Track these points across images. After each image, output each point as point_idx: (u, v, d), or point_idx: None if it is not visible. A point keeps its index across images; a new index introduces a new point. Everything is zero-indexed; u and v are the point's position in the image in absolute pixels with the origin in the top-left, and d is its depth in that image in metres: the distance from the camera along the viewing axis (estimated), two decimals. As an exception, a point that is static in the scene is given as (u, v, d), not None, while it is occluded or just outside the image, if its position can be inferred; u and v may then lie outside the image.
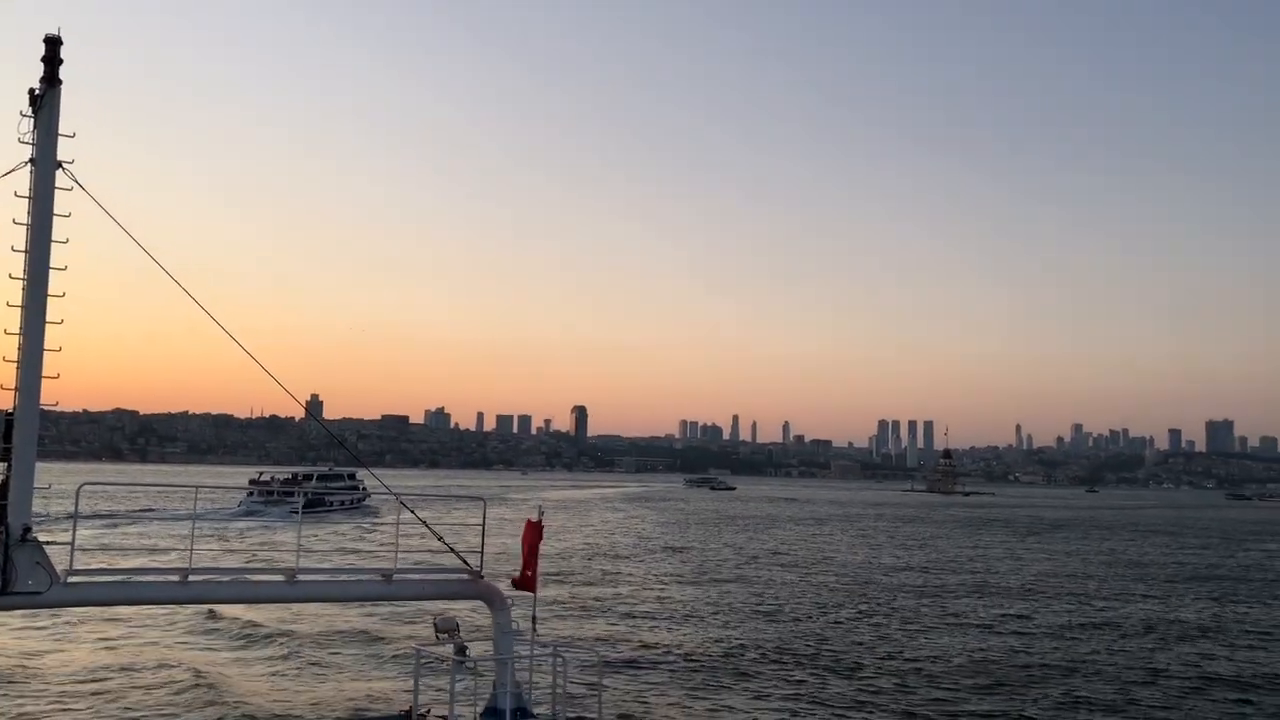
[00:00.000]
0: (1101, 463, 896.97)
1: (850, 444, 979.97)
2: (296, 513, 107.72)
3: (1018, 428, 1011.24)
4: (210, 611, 40.40)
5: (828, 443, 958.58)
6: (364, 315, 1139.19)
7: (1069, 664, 37.15)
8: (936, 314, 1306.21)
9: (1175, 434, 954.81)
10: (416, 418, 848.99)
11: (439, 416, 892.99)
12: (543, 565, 61.42)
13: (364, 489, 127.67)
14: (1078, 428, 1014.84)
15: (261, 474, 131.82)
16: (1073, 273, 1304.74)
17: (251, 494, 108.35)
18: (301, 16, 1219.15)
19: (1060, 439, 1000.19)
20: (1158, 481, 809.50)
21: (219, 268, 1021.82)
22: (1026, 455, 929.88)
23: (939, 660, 37.01)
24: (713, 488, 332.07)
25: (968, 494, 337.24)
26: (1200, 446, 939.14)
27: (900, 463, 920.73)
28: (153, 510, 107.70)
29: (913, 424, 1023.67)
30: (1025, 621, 47.59)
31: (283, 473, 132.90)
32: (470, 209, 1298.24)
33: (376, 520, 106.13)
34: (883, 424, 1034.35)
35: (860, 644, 40.24)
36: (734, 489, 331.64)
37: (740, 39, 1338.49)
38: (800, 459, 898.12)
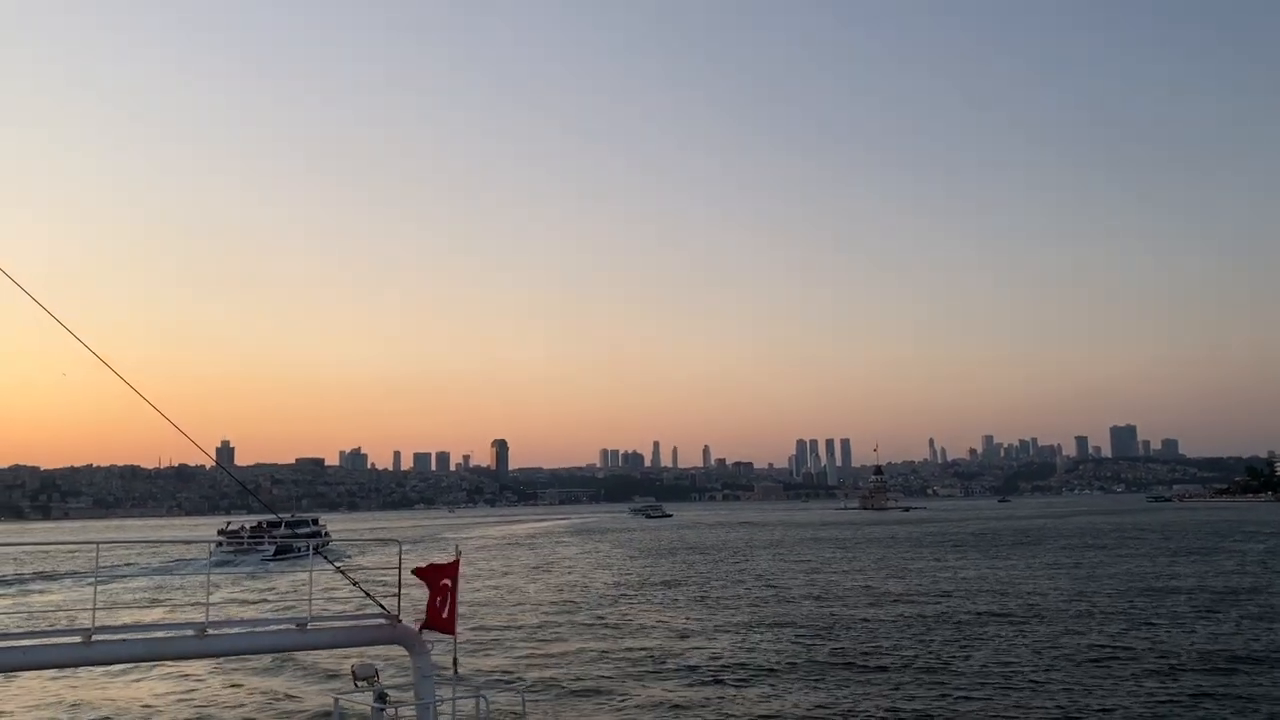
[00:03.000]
0: (1015, 472, 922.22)
1: (771, 465, 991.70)
2: (268, 559, 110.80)
3: (931, 441, 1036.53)
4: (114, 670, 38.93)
5: (749, 464, 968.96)
6: (273, 355, 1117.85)
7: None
8: (847, 329, 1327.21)
9: (1082, 441, 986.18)
10: (332, 460, 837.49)
11: (355, 457, 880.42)
12: (553, 609, 60.96)
13: (326, 533, 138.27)
14: (989, 439, 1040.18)
15: (229, 524, 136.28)
16: (976, 282, 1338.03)
17: (222, 544, 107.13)
18: (167, 43, 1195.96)
19: (973, 451, 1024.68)
20: (1069, 488, 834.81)
21: (119, 316, 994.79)
22: (943, 469, 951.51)
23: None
24: (648, 515, 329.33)
25: (907, 509, 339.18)
26: (1106, 452, 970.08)
27: (821, 481, 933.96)
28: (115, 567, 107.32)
29: (830, 442, 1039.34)
30: (1128, 651, 41.73)
31: (249, 521, 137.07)
32: (376, 241, 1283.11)
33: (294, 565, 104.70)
34: (801, 443, 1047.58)
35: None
36: (670, 515, 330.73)
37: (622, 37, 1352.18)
38: (723, 482, 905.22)
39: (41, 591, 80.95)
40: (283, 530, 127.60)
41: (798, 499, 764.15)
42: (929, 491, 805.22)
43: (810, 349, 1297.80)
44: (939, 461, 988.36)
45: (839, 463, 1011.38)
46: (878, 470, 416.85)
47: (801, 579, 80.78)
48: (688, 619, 55.94)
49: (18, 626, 16.70)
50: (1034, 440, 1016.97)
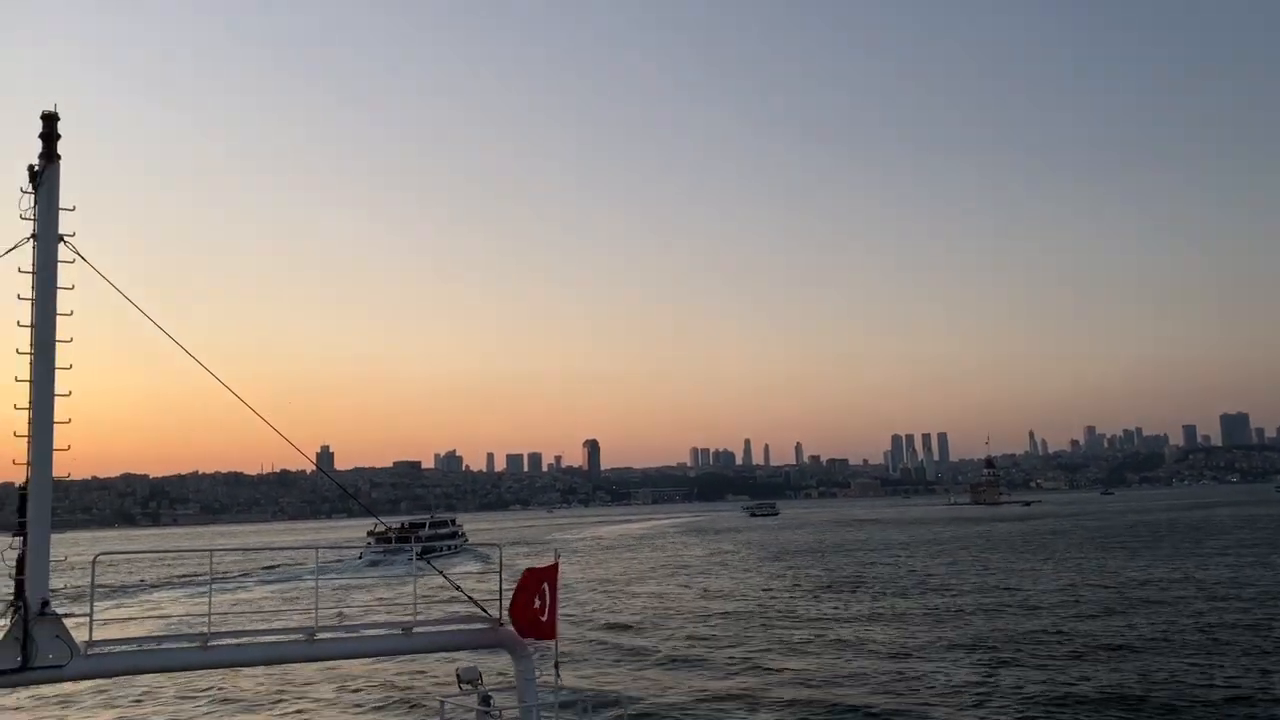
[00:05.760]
0: (1120, 463, 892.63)
1: (865, 461, 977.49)
2: (413, 559, 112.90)
3: (1031, 434, 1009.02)
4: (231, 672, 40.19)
5: (844, 461, 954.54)
6: (370, 362, 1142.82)
7: None
8: (941, 322, 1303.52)
9: (1190, 430, 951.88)
10: (428, 463, 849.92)
11: (451, 460, 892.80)
12: (704, 614, 58.87)
13: (464, 533, 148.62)
14: (1090, 429, 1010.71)
15: (377, 525, 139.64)
16: (1074, 272, 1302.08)
17: (370, 545, 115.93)
18: (287, 75, 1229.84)
19: (1075, 442, 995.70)
20: (1180, 479, 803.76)
21: (220, 325, 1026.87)
22: (1045, 461, 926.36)
23: None
24: (754, 514, 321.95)
25: (1027, 504, 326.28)
26: (1216, 441, 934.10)
27: (920, 476, 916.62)
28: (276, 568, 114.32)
29: (926, 436, 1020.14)
30: None
31: (394, 523, 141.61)
32: (466, 250, 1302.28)
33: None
34: (896, 438, 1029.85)
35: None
36: (778, 513, 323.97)
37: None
38: (818, 479, 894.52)
39: (154, 600, 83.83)
40: (427, 531, 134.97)
41: (896, 495, 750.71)
42: (1032, 485, 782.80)
43: (903, 342, 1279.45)
44: (1040, 454, 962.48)
45: (936, 457, 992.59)
46: (989, 464, 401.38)
47: (976, 581, 76.30)
48: (884, 634, 50.37)
49: (147, 632, 17.35)
50: (1138, 430, 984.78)
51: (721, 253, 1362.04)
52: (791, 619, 57.83)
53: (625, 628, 55.91)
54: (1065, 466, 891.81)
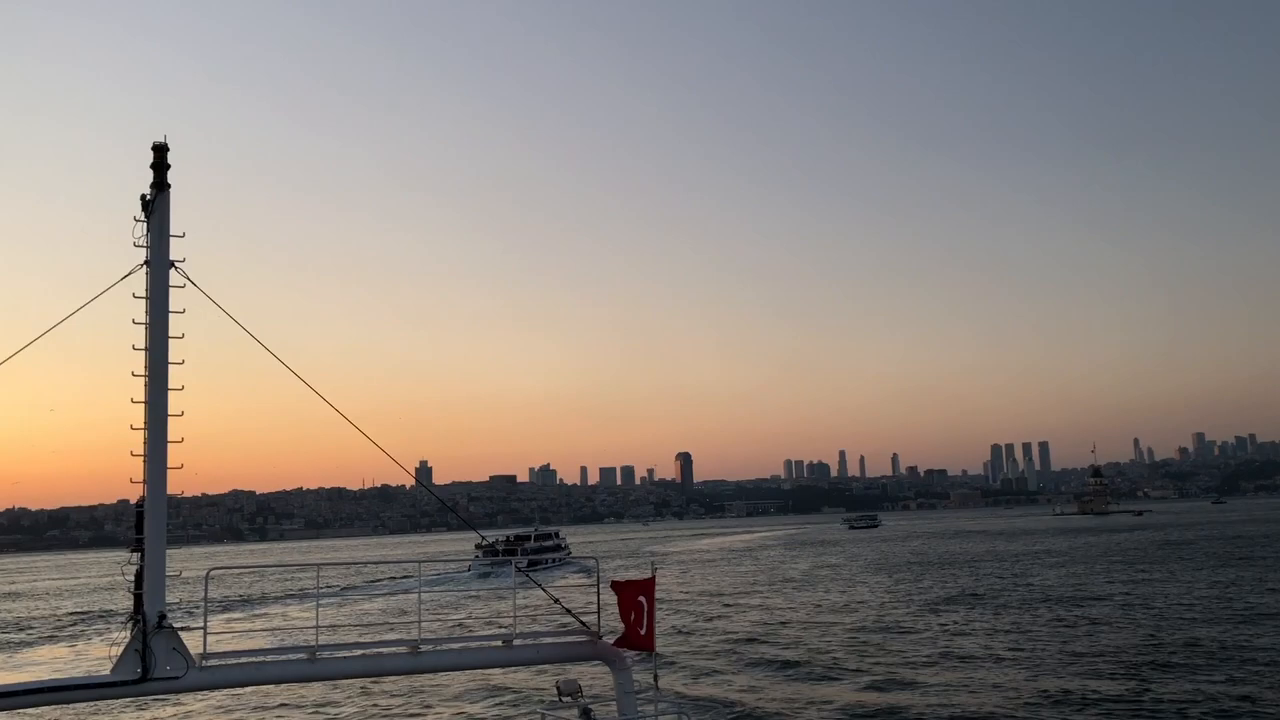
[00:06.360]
0: (1233, 471, 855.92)
1: (964, 471, 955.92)
2: (518, 570, 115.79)
3: (1136, 441, 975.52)
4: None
5: (942, 471, 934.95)
6: (465, 379, 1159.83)
7: None
8: (1037, 328, 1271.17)
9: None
10: (523, 476, 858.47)
11: (545, 473, 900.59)
12: (821, 630, 55.83)
13: (566, 546, 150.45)
14: (1200, 436, 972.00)
15: (485, 539, 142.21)
16: (1179, 276, 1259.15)
17: (478, 558, 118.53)
18: (381, 102, 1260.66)
19: (1183, 450, 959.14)
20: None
21: (319, 345, 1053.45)
22: (1151, 469, 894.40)
23: None
24: (853, 526, 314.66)
25: (1139, 513, 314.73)
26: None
27: (1021, 486, 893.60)
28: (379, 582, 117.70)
29: (1027, 446, 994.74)
30: None
31: (498, 536, 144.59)
32: (560, 261, 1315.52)
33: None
34: (996, 448, 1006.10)
35: None
36: (879, 525, 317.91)
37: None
38: (916, 490, 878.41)
39: (263, 613, 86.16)
40: (532, 543, 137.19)
41: (997, 506, 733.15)
42: (1139, 494, 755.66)
43: (1001, 351, 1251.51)
44: (1146, 462, 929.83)
45: (1037, 466, 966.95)
46: (1096, 472, 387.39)
47: (1102, 592, 72.83)
48: (1012, 647, 47.68)
49: (256, 644, 17.89)
50: (1251, 436, 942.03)
51: (818, 264, 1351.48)
52: (911, 632, 56.17)
53: (740, 640, 55.41)
54: (1173, 475, 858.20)
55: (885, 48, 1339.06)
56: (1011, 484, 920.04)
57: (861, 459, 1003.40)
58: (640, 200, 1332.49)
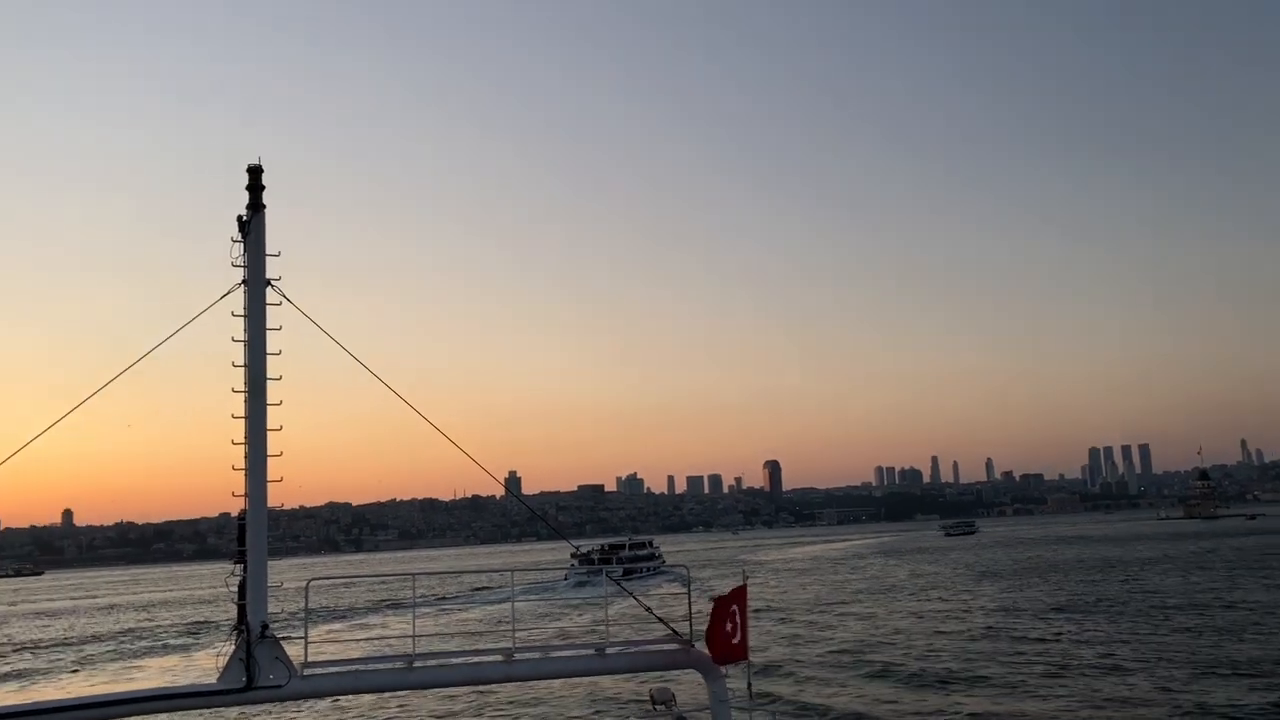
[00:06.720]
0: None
1: (1061, 476, 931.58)
2: (612, 579, 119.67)
3: (1243, 443, 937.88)
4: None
5: (1039, 476, 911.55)
6: (552, 389, 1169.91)
7: None
8: (1137, 326, 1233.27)
9: None
10: (610, 486, 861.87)
11: (632, 482, 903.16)
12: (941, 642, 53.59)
13: (660, 555, 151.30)
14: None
15: (580, 548, 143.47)
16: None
17: (574, 566, 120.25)
18: (462, 118, 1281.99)
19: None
20: None
21: (410, 358, 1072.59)
22: (1261, 471, 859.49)
23: None
24: (949, 533, 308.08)
25: (1251, 517, 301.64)
26: None
27: (1121, 490, 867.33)
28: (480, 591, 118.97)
29: (1126, 449, 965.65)
30: None
31: (592, 545, 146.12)
32: (643, 269, 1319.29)
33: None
34: (1094, 451, 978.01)
35: None
36: (975, 532, 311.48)
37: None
38: (1011, 495, 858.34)
39: (361, 623, 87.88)
40: (627, 552, 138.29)
41: (1097, 510, 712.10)
42: (1248, 497, 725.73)
43: (1095, 350, 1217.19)
44: (1255, 464, 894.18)
45: (1138, 470, 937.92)
46: (1203, 475, 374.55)
47: (1226, 599, 69.35)
48: (1136, 656, 45.50)
49: (354, 653, 18.22)
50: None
51: (906, 266, 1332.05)
52: (1024, 640, 54.47)
53: (840, 649, 54.66)
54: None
55: (882, 58, 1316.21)
56: (1111, 488, 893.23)
57: (955, 464, 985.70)
58: (722, 211, 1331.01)
